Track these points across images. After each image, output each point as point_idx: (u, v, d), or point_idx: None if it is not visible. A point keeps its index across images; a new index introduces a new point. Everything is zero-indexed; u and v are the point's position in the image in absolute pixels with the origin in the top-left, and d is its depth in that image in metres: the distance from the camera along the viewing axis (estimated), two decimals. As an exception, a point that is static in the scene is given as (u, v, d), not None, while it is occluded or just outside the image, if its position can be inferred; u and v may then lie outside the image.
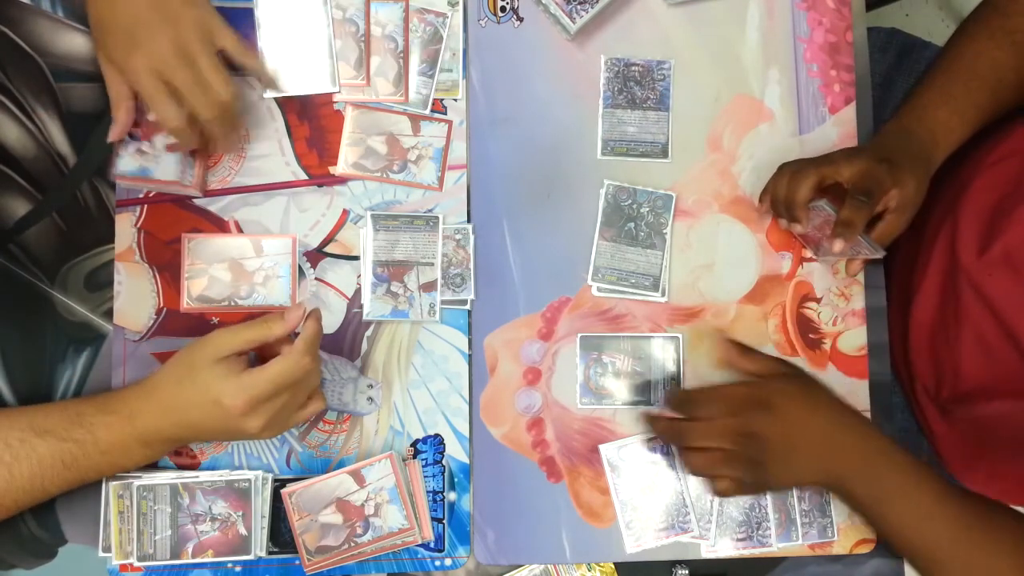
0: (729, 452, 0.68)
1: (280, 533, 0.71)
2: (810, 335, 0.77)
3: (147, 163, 0.70)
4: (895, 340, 0.83)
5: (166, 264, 0.73)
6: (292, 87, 0.75)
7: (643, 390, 0.75)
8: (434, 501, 0.73)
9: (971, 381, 0.75)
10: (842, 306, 0.78)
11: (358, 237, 0.75)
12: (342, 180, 0.75)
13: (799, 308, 0.77)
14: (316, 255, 0.74)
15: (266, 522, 0.70)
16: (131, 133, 0.70)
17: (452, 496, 0.73)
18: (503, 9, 0.77)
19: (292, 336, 0.64)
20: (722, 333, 0.75)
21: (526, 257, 0.76)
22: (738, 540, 0.74)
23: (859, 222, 0.66)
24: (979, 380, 0.74)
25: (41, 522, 0.72)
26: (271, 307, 0.73)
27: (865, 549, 0.75)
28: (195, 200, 0.74)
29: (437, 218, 0.74)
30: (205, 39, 0.66)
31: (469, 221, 0.76)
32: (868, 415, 0.77)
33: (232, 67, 0.74)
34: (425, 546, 0.72)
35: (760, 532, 0.74)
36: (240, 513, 0.69)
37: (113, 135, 0.69)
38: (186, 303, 0.73)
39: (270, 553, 0.71)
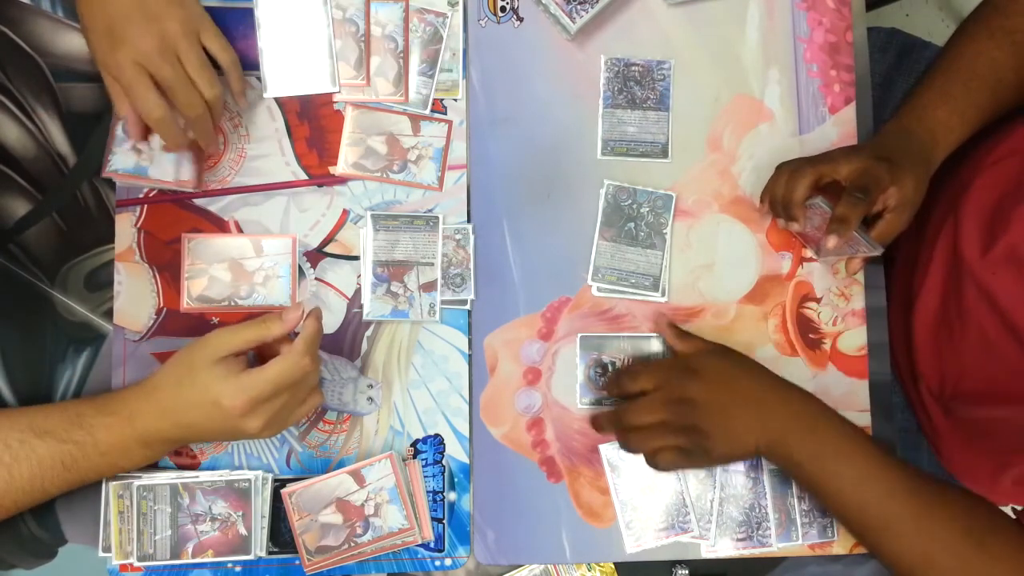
0: (665, 422, 0.69)
1: (280, 533, 0.71)
2: (810, 335, 0.77)
3: (143, 161, 0.70)
4: (897, 340, 0.83)
5: (166, 264, 0.73)
6: (292, 87, 0.75)
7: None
8: (434, 501, 0.73)
9: (975, 379, 0.75)
10: (842, 306, 0.78)
11: (358, 237, 0.75)
12: (342, 180, 0.75)
13: (799, 308, 0.77)
14: (316, 255, 0.74)
15: (266, 522, 0.70)
16: (125, 130, 0.70)
17: (452, 496, 0.73)
18: (503, 9, 0.77)
19: (292, 335, 0.64)
20: (663, 317, 0.75)
21: (526, 257, 0.76)
22: (738, 540, 0.74)
23: (854, 218, 0.66)
24: (983, 378, 0.74)
25: (41, 522, 0.72)
26: (271, 307, 0.73)
27: (865, 549, 0.75)
28: (195, 200, 0.74)
29: (437, 218, 0.74)
30: (191, 37, 0.66)
31: (469, 221, 0.76)
32: (868, 415, 0.77)
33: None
34: (425, 546, 0.72)
35: (760, 532, 0.74)
36: (240, 513, 0.70)
37: (130, 134, 0.69)
38: (186, 303, 0.73)
39: (270, 553, 0.71)
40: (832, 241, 0.66)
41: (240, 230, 0.74)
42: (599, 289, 0.76)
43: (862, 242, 0.69)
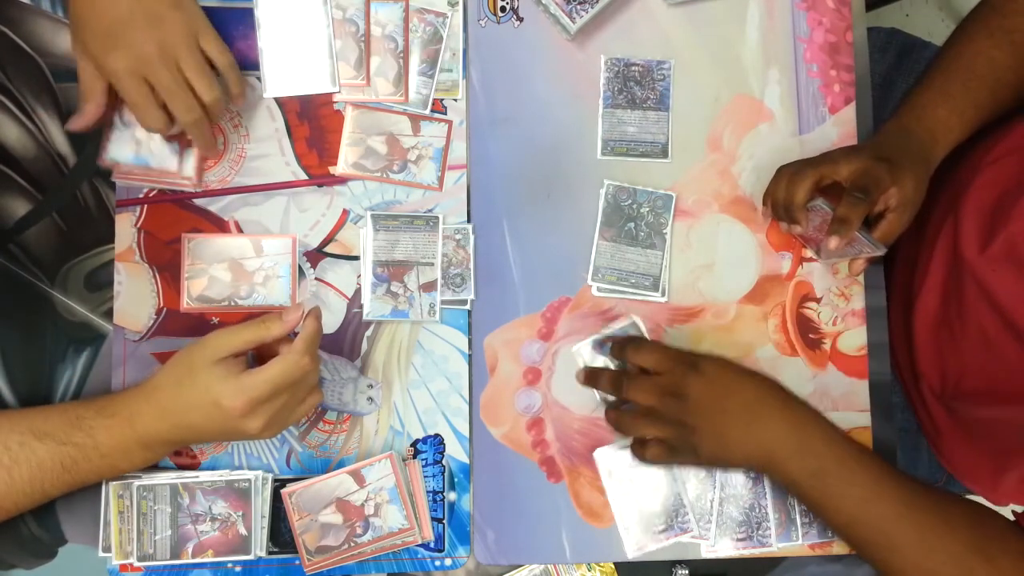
0: (656, 410, 0.68)
1: (280, 533, 0.71)
2: (810, 335, 0.77)
3: (143, 152, 0.70)
4: (898, 340, 0.83)
5: (166, 264, 0.73)
6: (292, 87, 0.75)
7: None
8: (434, 501, 0.73)
9: (976, 378, 0.75)
10: (842, 306, 0.78)
11: (358, 237, 0.75)
12: (342, 180, 0.75)
13: (799, 308, 0.77)
14: (316, 255, 0.74)
15: (266, 522, 0.70)
16: (125, 120, 0.70)
17: (452, 496, 0.73)
18: (503, 9, 0.77)
19: (291, 335, 0.64)
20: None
21: (526, 257, 0.76)
22: (738, 540, 0.74)
23: (855, 219, 0.66)
24: (984, 377, 0.74)
25: (41, 522, 0.72)
26: (271, 307, 0.73)
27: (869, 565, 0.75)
28: (195, 200, 0.74)
29: (437, 218, 0.74)
30: (190, 41, 0.66)
31: (469, 221, 0.76)
32: (868, 415, 0.77)
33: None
34: (425, 546, 0.72)
35: (760, 532, 0.74)
36: (240, 513, 0.69)
37: (75, 124, 0.68)
38: (186, 303, 0.73)
39: (270, 553, 0.71)
40: (834, 242, 0.66)
41: (240, 230, 0.74)
42: (599, 289, 0.76)
43: (865, 243, 0.69)
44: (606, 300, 0.76)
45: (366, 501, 0.70)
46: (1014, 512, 0.70)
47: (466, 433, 0.74)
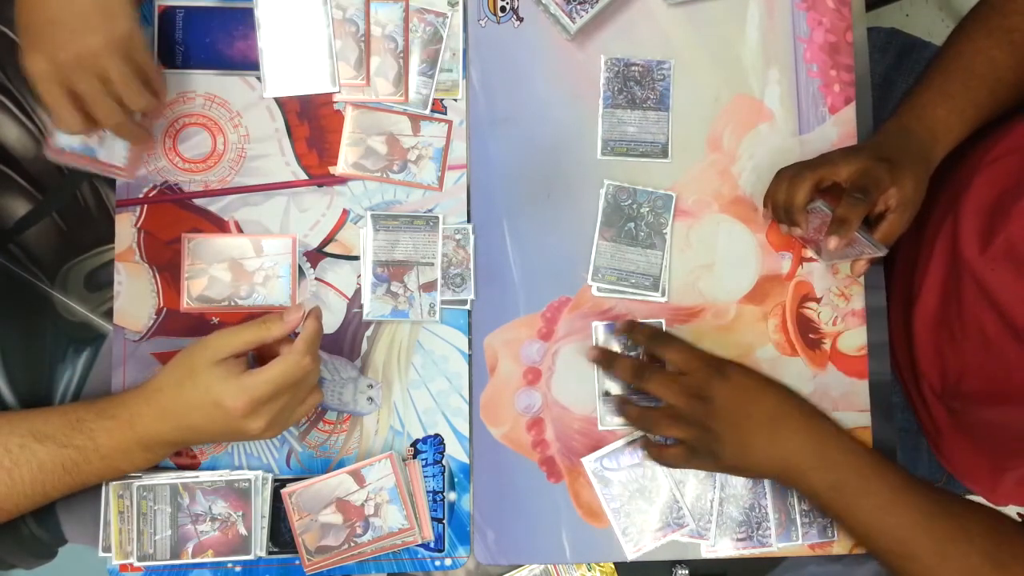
0: (678, 411, 0.68)
1: (280, 533, 0.71)
2: (810, 335, 0.77)
3: (91, 142, 0.69)
4: (898, 340, 0.83)
5: (166, 264, 0.73)
6: (292, 87, 0.75)
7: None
8: (434, 501, 0.73)
9: (975, 378, 0.75)
10: (842, 306, 0.78)
11: (358, 237, 0.75)
12: (342, 180, 0.75)
13: (799, 308, 0.77)
14: (316, 255, 0.74)
15: (266, 522, 0.70)
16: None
17: (452, 496, 0.73)
18: (503, 9, 0.77)
19: (292, 335, 0.64)
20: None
21: (526, 257, 0.76)
22: (738, 540, 0.74)
23: (854, 220, 0.66)
24: (983, 377, 0.74)
25: (41, 522, 0.72)
26: (271, 307, 0.73)
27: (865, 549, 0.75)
28: (195, 200, 0.74)
29: (437, 218, 0.74)
30: (118, 49, 0.63)
31: (469, 221, 0.76)
32: (868, 415, 0.77)
33: (231, 65, 0.74)
34: (425, 546, 0.72)
35: (760, 532, 0.74)
36: (240, 513, 0.70)
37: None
38: (186, 303, 0.73)
39: (270, 553, 0.71)
40: (833, 243, 0.66)
41: (240, 230, 0.74)
42: (599, 289, 0.76)
43: (865, 243, 0.69)
44: (606, 300, 0.76)
45: (366, 501, 0.70)
46: (1020, 515, 0.70)
47: (466, 433, 0.74)
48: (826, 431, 0.68)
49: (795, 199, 0.70)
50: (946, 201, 0.78)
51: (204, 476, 0.70)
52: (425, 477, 0.73)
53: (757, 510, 0.74)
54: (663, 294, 0.76)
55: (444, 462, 0.73)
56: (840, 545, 0.75)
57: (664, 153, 0.77)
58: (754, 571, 0.76)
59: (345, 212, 0.75)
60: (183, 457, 0.72)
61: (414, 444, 0.73)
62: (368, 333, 0.74)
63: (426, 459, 0.73)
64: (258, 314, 0.73)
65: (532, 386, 0.75)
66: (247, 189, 0.74)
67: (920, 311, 0.80)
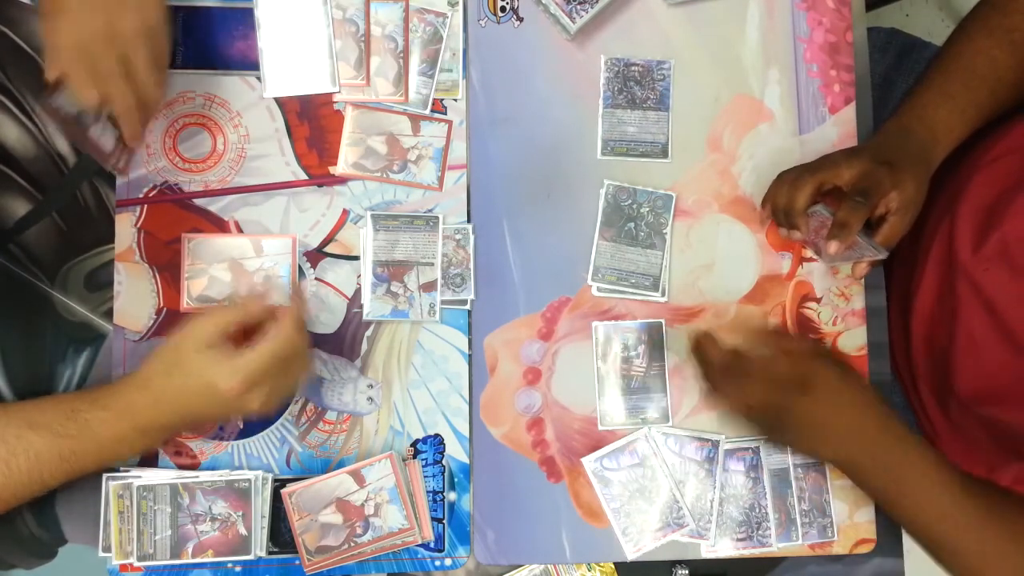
0: (755, 413, 0.69)
1: (280, 533, 0.71)
2: (810, 335, 0.77)
3: (87, 119, 0.66)
4: (897, 340, 0.83)
5: (166, 264, 0.73)
6: (292, 87, 0.75)
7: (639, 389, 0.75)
8: (434, 501, 0.73)
9: (969, 379, 0.75)
10: (842, 306, 0.78)
11: (358, 237, 0.75)
12: (342, 180, 0.75)
13: (799, 308, 0.77)
14: (316, 255, 0.74)
15: (266, 522, 0.70)
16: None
17: (452, 496, 0.73)
18: (503, 9, 0.77)
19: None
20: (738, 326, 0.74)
21: (526, 257, 0.76)
22: (738, 540, 0.74)
23: (855, 223, 0.66)
24: (976, 377, 0.74)
25: (41, 522, 0.72)
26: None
27: (865, 549, 0.76)
28: (195, 200, 0.74)
29: (437, 218, 0.74)
30: (144, 33, 0.63)
31: (469, 221, 0.76)
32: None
33: (231, 65, 0.74)
34: (425, 546, 0.72)
35: (760, 532, 0.74)
36: (240, 513, 0.70)
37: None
38: (186, 303, 0.73)
39: (270, 553, 0.71)
40: (833, 247, 0.66)
41: (240, 230, 0.74)
42: (599, 289, 0.76)
43: (866, 246, 0.69)
44: (606, 300, 0.76)
45: (366, 501, 0.70)
46: None
47: (466, 433, 0.74)
48: (894, 436, 0.68)
49: (796, 203, 0.70)
50: (944, 201, 0.78)
51: (204, 476, 0.70)
52: (425, 477, 0.73)
53: (757, 510, 0.74)
54: (663, 294, 0.76)
55: (444, 462, 0.73)
56: (840, 545, 0.75)
57: (664, 153, 0.77)
58: (754, 571, 0.76)
59: (345, 212, 0.75)
60: (183, 457, 0.72)
61: (414, 444, 0.73)
62: (368, 333, 0.74)
63: (426, 459, 0.73)
64: (258, 314, 0.73)
65: (532, 386, 0.75)
66: (247, 189, 0.74)
67: (917, 312, 0.80)
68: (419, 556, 0.72)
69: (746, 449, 0.75)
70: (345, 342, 0.74)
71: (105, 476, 0.70)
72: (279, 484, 0.71)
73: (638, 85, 0.77)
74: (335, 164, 0.75)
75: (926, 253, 0.79)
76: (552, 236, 0.76)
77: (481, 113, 0.77)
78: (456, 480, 0.73)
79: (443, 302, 0.74)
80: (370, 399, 0.74)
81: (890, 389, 0.78)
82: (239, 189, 0.74)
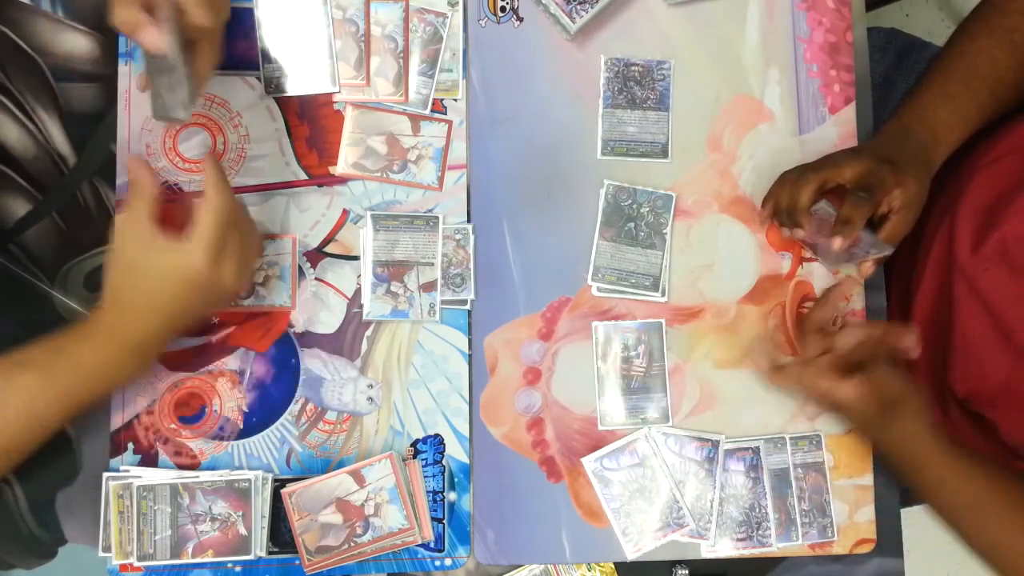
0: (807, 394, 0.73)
1: (280, 533, 0.71)
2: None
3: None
4: (897, 340, 0.83)
5: (166, 264, 0.73)
6: (292, 87, 0.75)
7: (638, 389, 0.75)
8: (434, 501, 0.73)
9: (967, 380, 0.75)
10: (842, 306, 0.78)
11: (358, 237, 0.75)
12: (342, 180, 0.75)
13: (799, 308, 0.77)
14: (316, 255, 0.74)
15: (266, 522, 0.70)
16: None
17: (452, 496, 0.73)
18: (503, 9, 0.77)
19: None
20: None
21: (526, 257, 0.76)
22: (738, 540, 0.74)
23: (859, 219, 0.66)
24: (974, 378, 0.74)
25: (41, 522, 0.72)
26: (271, 307, 0.73)
27: (865, 549, 0.76)
28: (195, 200, 0.73)
29: (437, 218, 0.74)
30: None
31: (469, 221, 0.76)
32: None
33: (231, 65, 0.74)
34: (425, 546, 0.72)
35: (760, 532, 0.74)
36: (240, 513, 0.70)
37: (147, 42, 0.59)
38: (186, 303, 0.73)
39: (270, 553, 0.71)
40: (838, 243, 0.66)
41: (240, 230, 0.74)
42: (599, 289, 0.76)
43: (871, 243, 0.69)
44: (606, 300, 0.76)
45: (366, 501, 0.70)
46: None
47: (466, 433, 0.74)
48: (933, 438, 0.70)
49: (799, 201, 0.70)
50: (944, 201, 0.78)
51: (204, 476, 0.70)
52: (425, 477, 0.73)
53: (757, 510, 0.74)
54: (663, 294, 0.76)
55: (444, 462, 0.73)
56: (840, 545, 0.75)
57: (664, 153, 0.77)
58: (754, 571, 0.76)
59: (345, 212, 0.75)
60: (183, 457, 0.72)
61: (414, 444, 0.73)
62: (368, 333, 0.74)
63: (426, 459, 0.73)
64: (259, 314, 0.73)
65: (532, 386, 0.75)
66: (247, 189, 0.74)
67: (917, 312, 0.80)
68: (419, 556, 0.72)
69: (746, 449, 0.75)
70: (345, 342, 0.74)
71: (105, 476, 0.70)
72: (279, 484, 0.71)
73: (638, 85, 0.77)
74: (335, 164, 0.75)
75: (926, 253, 0.79)
76: (552, 236, 0.76)
77: (481, 113, 0.77)
78: (456, 480, 0.73)
79: (443, 302, 0.74)
80: (370, 399, 0.74)
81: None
82: (239, 189, 0.74)
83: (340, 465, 0.72)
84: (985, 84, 0.73)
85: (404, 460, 0.72)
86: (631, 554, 0.73)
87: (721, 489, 0.74)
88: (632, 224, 0.76)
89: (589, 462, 0.74)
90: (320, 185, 0.75)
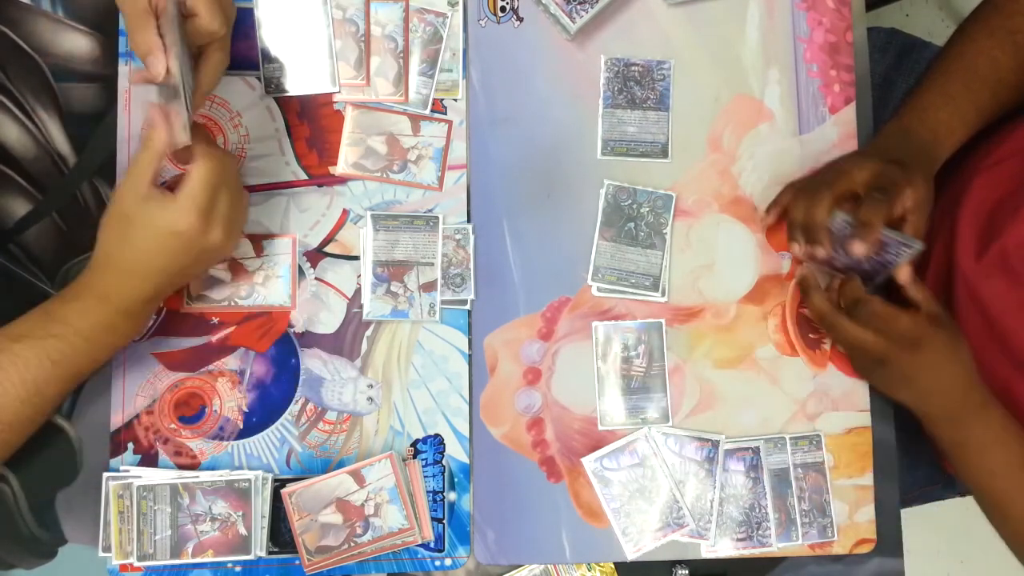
0: (856, 352, 0.72)
1: (280, 533, 0.71)
2: (810, 335, 0.77)
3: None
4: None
5: (166, 264, 0.73)
6: (292, 87, 0.75)
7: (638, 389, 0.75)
8: (434, 501, 0.73)
9: None
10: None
11: (358, 237, 0.75)
12: (342, 180, 0.75)
13: (799, 308, 0.77)
14: (316, 255, 0.74)
15: (266, 522, 0.70)
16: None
17: (452, 496, 0.73)
18: (503, 9, 0.78)
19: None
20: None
21: (526, 257, 0.76)
22: (738, 540, 0.74)
23: (877, 220, 0.65)
24: None
25: (41, 522, 0.72)
26: (271, 307, 0.73)
27: (865, 549, 0.76)
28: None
29: (437, 218, 0.74)
30: None
31: (469, 221, 0.76)
32: (868, 415, 0.77)
33: (231, 65, 0.74)
34: (425, 546, 0.72)
35: (760, 532, 0.74)
36: (240, 513, 0.70)
37: (141, 77, 0.60)
38: (186, 303, 0.73)
39: (270, 553, 0.71)
40: (859, 247, 0.65)
41: (240, 230, 0.74)
42: (599, 289, 0.76)
43: (899, 241, 0.67)
44: (606, 300, 0.76)
45: (366, 501, 0.70)
46: None
47: (466, 433, 0.74)
48: (971, 407, 0.70)
49: (815, 217, 0.68)
50: (945, 204, 0.78)
51: (204, 476, 0.70)
52: (425, 477, 0.73)
53: (757, 510, 0.74)
54: (663, 294, 0.76)
55: (444, 462, 0.73)
56: (840, 545, 0.75)
57: (664, 153, 0.77)
58: (754, 571, 0.76)
59: (345, 212, 0.75)
60: (183, 457, 0.72)
61: (414, 444, 0.73)
62: (368, 333, 0.74)
63: (426, 459, 0.73)
64: (258, 314, 0.73)
65: (532, 386, 0.75)
66: (247, 189, 0.74)
67: None
68: (419, 556, 0.72)
69: (746, 449, 0.75)
70: (345, 342, 0.74)
71: (105, 476, 0.70)
72: (279, 484, 0.71)
73: (638, 85, 0.77)
74: (335, 164, 0.75)
75: (926, 258, 0.78)
76: (552, 236, 0.76)
77: (481, 113, 0.77)
78: (456, 480, 0.73)
79: (443, 302, 0.74)
80: (370, 399, 0.74)
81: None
82: (239, 189, 0.74)
83: (340, 465, 0.72)
84: (986, 86, 0.73)
85: (404, 460, 0.72)
86: (631, 554, 0.73)
87: (721, 489, 0.74)
88: (632, 224, 0.76)
89: (589, 462, 0.74)
90: (320, 185, 0.75)
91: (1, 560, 0.71)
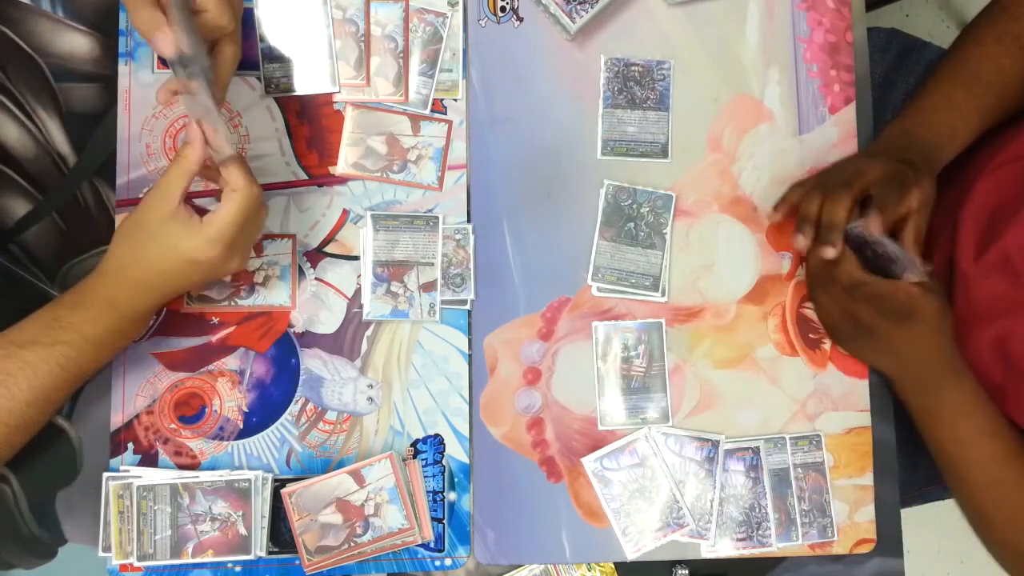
0: (842, 323, 0.72)
1: (280, 533, 0.71)
2: (810, 335, 0.77)
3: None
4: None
5: (166, 264, 0.73)
6: (292, 87, 0.75)
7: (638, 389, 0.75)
8: (434, 501, 0.73)
9: None
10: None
11: (358, 237, 0.75)
12: (342, 180, 0.75)
13: (799, 308, 0.77)
14: (316, 255, 0.74)
15: (266, 522, 0.70)
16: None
17: (452, 496, 0.73)
18: (503, 9, 0.78)
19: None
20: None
21: (526, 257, 0.76)
22: (738, 540, 0.74)
23: (892, 202, 0.66)
24: None
25: (41, 522, 0.72)
26: (271, 307, 0.73)
27: (865, 549, 0.76)
28: (195, 200, 0.74)
29: (437, 218, 0.74)
30: None
31: (469, 221, 0.76)
32: (868, 415, 0.77)
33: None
34: (425, 546, 0.72)
35: (760, 532, 0.74)
36: (240, 513, 0.70)
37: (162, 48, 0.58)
38: (186, 303, 0.73)
39: (270, 553, 0.71)
40: (874, 223, 0.66)
41: (240, 230, 0.74)
42: (599, 289, 0.76)
43: (907, 263, 0.67)
44: (606, 300, 0.76)
45: (366, 501, 0.70)
46: None
47: (466, 433, 0.74)
48: (943, 375, 0.71)
49: (835, 218, 0.67)
50: (946, 207, 0.78)
51: (204, 476, 0.70)
52: (425, 477, 0.73)
53: (757, 510, 0.74)
54: (663, 294, 0.76)
55: (444, 462, 0.73)
56: (840, 545, 0.75)
57: (664, 153, 0.77)
58: (754, 571, 0.76)
59: (345, 212, 0.75)
60: (183, 457, 0.72)
61: (414, 444, 0.73)
62: (368, 333, 0.74)
63: (426, 459, 0.73)
64: (258, 314, 0.73)
65: (532, 386, 0.75)
66: (247, 189, 0.74)
67: None
68: (419, 556, 0.72)
69: (746, 449, 0.75)
70: (345, 342, 0.74)
71: (105, 476, 0.70)
72: (279, 484, 0.71)
73: (638, 85, 0.77)
74: (335, 164, 0.75)
75: (927, 258, 0.78)
76: (552, 236, 0.76)
77: (481, 113, 0.77)
78: (456, 480, 0.73)
79: (443, 302, 0.74)
80: (370, 399, 0.74)
81: (890, 389, 0.78)
82: (239, 189, 0.74)
83: (340, 465, 0.72)
84: (990, 91, 0.73)
85: (404, 460, 0.72)
86: (631, 554, 0.73)
87: (721, 489, 0.74)
88: (632, 224, 0.76)
89: (589, 462, 0.74)
90: (320, 185, 0.75)
91: (1, 560, 0.71)
